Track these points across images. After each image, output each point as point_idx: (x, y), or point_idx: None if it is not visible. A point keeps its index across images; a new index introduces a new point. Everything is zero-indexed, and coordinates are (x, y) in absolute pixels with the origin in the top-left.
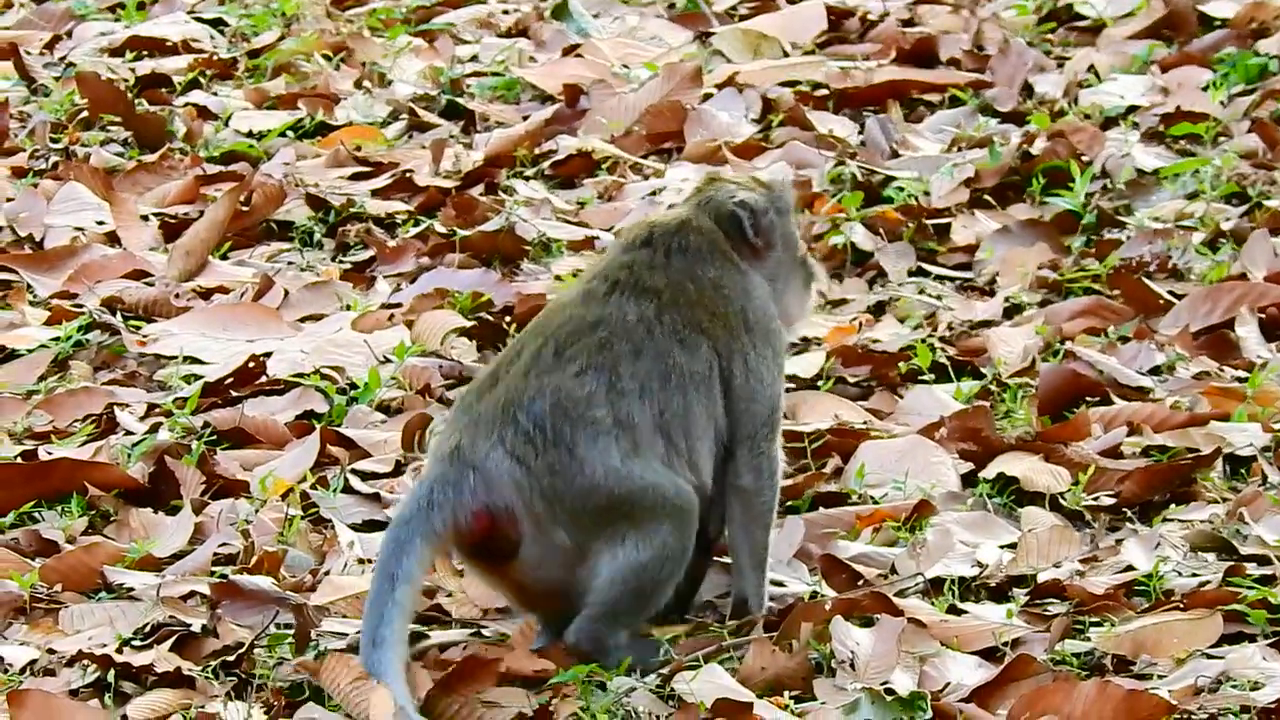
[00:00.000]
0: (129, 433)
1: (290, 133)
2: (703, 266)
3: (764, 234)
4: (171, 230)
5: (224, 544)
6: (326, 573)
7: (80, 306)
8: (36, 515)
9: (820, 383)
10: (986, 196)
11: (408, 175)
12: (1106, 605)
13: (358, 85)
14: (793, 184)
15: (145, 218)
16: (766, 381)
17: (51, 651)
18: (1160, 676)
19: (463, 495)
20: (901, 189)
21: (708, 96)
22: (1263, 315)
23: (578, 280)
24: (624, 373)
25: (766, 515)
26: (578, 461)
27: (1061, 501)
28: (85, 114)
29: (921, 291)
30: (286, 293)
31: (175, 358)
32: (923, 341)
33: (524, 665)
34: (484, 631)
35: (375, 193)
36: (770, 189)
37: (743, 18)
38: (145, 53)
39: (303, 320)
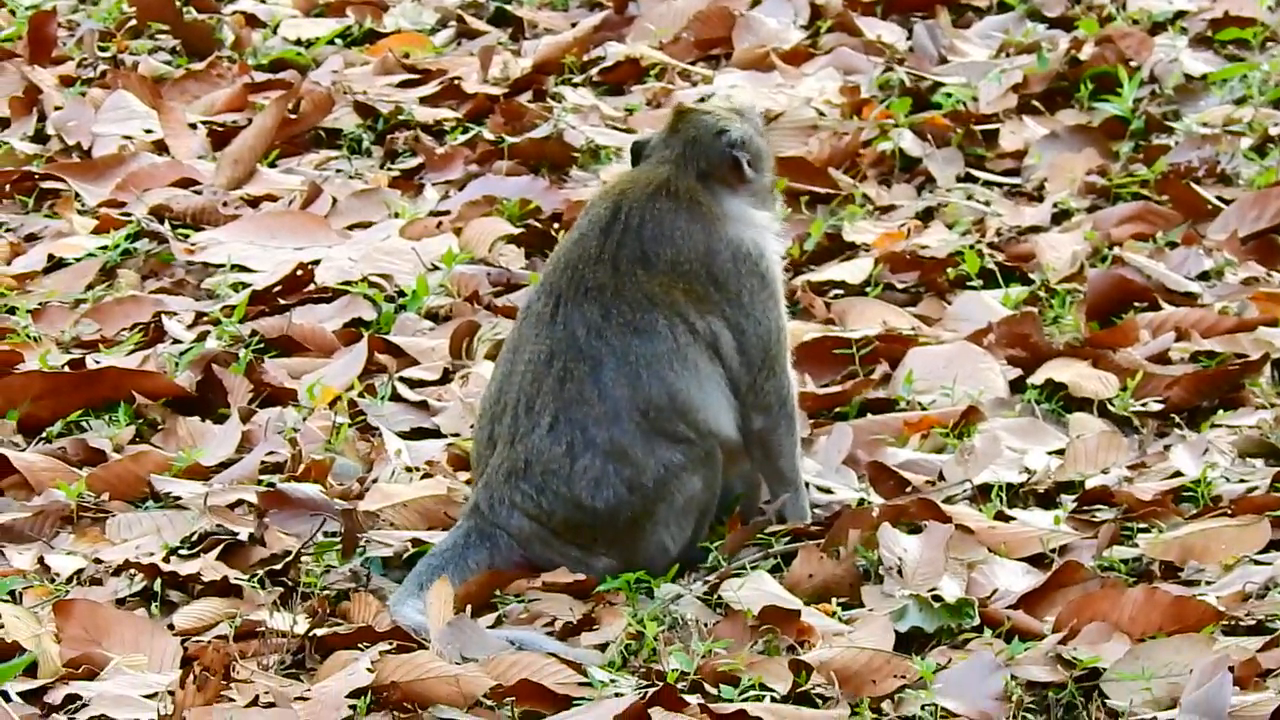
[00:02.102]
0: (177, 341)
1: (339, 40)
2: (659, 245)
3: (757, 164)
4: (220, 138)
5: (271, 452)
6: (374, 480)
7: (128, 215)
8: (84, 424)
9: (868, 289)
10: (1035, 102)
11: (456, 82)
12: (1154, 511)
13: None
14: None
15: (193, 126)
16: (751, 325)
17: (98, 561)
18: (1208, 583)
19: (499, 548)
20: (950, 95)
21: (756, 2)
22: None
23: (535, 286)
24: (592, 398)
25: (787, 445)
26: (589, 509)
27: (1109, 407)
28: (133, 22)
29: (970, 197)
30: (335, 200)
31: (223, 266)
32: (971, 247)
33: (562, 576)
34: None
35: (423, 100)
36: (743, 113)
37: None
38: None
39: (351, 228)
